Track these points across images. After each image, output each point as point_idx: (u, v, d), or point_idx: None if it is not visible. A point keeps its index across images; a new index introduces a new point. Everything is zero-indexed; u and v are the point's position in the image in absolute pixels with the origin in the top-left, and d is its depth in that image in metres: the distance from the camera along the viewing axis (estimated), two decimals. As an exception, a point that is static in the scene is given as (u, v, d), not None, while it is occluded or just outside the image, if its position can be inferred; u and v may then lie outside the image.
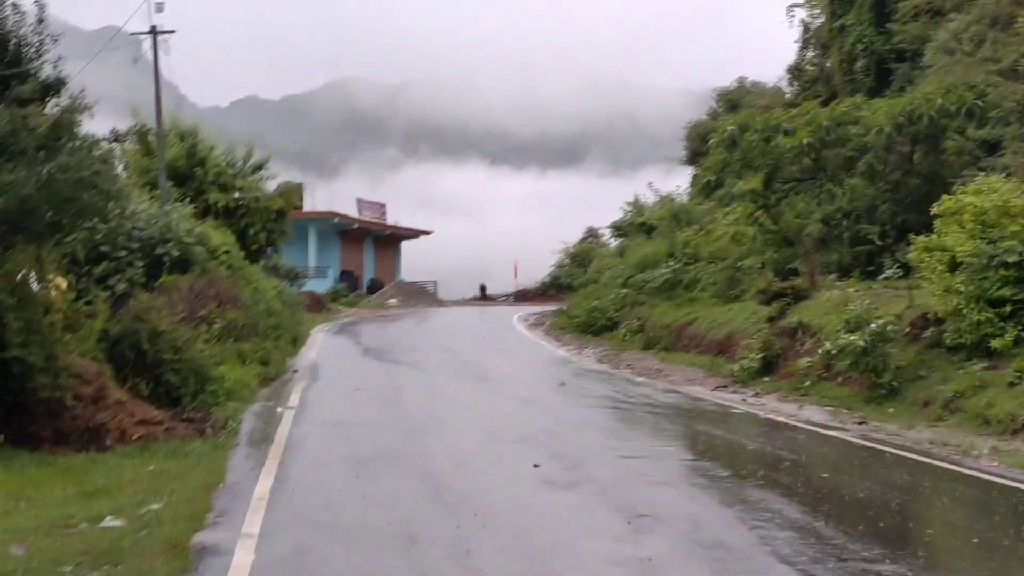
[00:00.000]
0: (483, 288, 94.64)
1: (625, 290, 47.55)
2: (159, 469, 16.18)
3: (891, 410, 22.58)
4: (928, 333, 24.56)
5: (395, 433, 19.46)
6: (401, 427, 20.22)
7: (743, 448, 18.31)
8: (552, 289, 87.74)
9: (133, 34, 38.95)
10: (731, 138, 40.09)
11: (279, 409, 22.97)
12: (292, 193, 50.03)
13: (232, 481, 15.14)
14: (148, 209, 32.02)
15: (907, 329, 24.96)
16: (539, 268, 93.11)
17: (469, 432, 19.85)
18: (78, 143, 19.29)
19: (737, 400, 25.70)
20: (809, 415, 22.84)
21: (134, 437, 18.90)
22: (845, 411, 23.16)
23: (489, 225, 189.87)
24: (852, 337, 24.05)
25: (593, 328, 47.33)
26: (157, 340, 22.18)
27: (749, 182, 42.54)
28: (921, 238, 26.34)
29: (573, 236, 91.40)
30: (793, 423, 21.53)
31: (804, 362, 27.18)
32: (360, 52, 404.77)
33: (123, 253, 28.93)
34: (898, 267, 33.44)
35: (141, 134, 40.81)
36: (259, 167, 48.46)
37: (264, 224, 46.57)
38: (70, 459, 17.08)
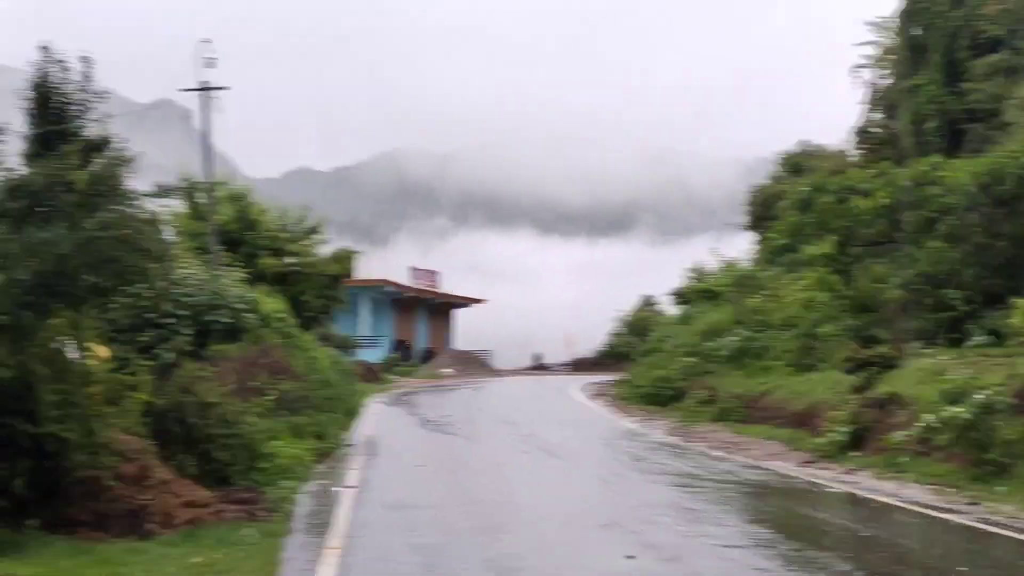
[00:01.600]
0: (538, 357, 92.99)
1: (692, 359, 45.61)
2: (206, 561, 14.39)
3: (1002, 489, 20.60)
4: (1038, 405, 22.63)
5: (465, 517, 17.60)
6: (471, 510, 18.36)
7: (855, 535, 16.37)
8: (609, 358, 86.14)
9: (184, 90, 37.62)
10: (805, 200, 38.36)
11: (337, 489, 21.14)
12: (347, 259, 48.46)
13: (287, 576, 13.40)
14: (197, 274, 30.51)
15: (1012, 400, 22.96)
16: (593, 337, 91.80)
17: (547, 516, 17.96)
18: (120, 200, 17.73)
19: (829, 478, 23.72)
20: (913, 495, 20.87)
21: (179, 521, 17.16)
22: (950, 490, 21.18)
23: (540, 294, 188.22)
24: (956, 409, 22.09)
25: (659, 399, 45.38)
26: (206, 413, 20.51)
27: (821, 245, 40.86)
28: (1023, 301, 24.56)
29: (626, 304, 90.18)
30: (899, 504, 19.59)
31: (899, 436, 25.16)
32: (411, 122, 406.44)
33: (170, 320, 27.42)
34: (987, 334, 31.61)
35: (190, 195, 39.49)
36: (312, 231, 46.97)
37: (318, 291, 45.03)
38: (108, 548, 15.26)
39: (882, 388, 28.08)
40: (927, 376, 27.12)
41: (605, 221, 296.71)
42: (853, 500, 20.34)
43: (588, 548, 15.08)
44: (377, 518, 17.69)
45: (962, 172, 35.65)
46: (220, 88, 36.59)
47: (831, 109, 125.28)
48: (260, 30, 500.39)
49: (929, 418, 23.06)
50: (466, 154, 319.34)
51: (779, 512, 18.93)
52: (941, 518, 17.97)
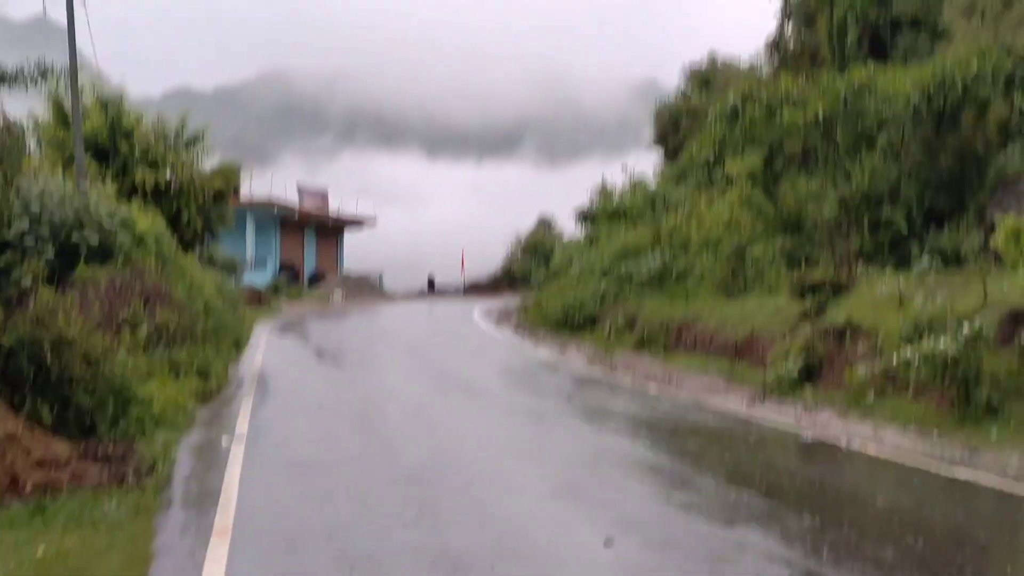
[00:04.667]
0: (431, 280, 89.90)
1: (605, 283, 42.66)
2: (52, 552, 10.94)
3: (994, 433, 17.84)
4: (1025, 335, 19.88)
5: (387, 481, 14.15)
6: (392, 470, 14.92)
7: (869, 503, 13.27)
8: (504, 281, 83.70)
9: (43, -23, 33.09)
10: (733, 110, 35.33)
11: (224, 441, 17.65)
12: (232, 173, 44.24)
13: (160, 576, 10.01)
14: (61, 188, 26.66)
15: (997, 331, 20.18)
16: (485, 258, 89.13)
17: (488, 480, 14.46)
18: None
19: (791, 420, 20.77)
20: (896, 440, 18.01)
21: (29, 486, 13.69)
22: (935, 434, 18.36)
23: (431, 215, 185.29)
24: (943, 342, 19.22)
25: (570, 325, 42.40)
26: (64, 351, 16.89)
27: (744, 160, 38.03)
28: (1010, 219, 21.85)
29: (521, 225, 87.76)
30: (893, 458, 16.57)
31: (862, 370, 22.29)
32: (296, 40, 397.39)
33: (27, 240, 23.67)
34: (932, 256, 29.23)
35: (55, 102, 35.53)
36: (193, 142, 42.80)
37: (200, 207, 41.00)
38: (-73, 532, 11.75)
39: (837, 316, 25.19)
40: (886, 303, 24.35)
41: (494, 141, 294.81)
42: (837, 451, 17.30)
43: (550, 528, 11.78)
44: (277, 483, 14.20)
45: (903, 82, 32.86)
46: (84, -25, 32.33)
47: (735, 22, 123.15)
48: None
49: (906, 352, 20.20)
50: (354, 72, 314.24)
51: (760, 468, 15.76)
52: (954, 478, 14.98)
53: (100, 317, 20.30)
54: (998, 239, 22.45)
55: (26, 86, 16.05)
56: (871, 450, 17.16)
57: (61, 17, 32.30)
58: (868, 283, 26.85)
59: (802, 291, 27.25)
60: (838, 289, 26.76)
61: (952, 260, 28.77)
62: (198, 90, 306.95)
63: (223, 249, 56.03)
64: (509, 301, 62.74)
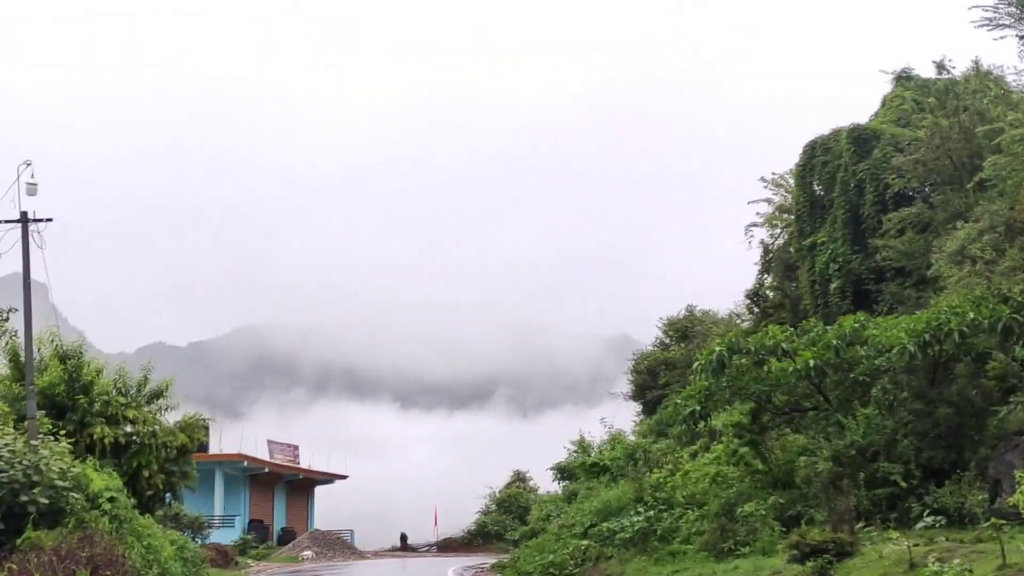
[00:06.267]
0: (404, 537, 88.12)
1: (586, 541, 40.82)
2: None
3: None
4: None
5: None
6: None
7: None
8: (479, 538, 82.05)
9: (2, 222, 31.93)
10: (719, 361, 34.14)
11: None
12: (197, 428, 42.77)
13: None
14: (12, 445, 25.24)
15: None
16: (458, 512, 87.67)
17: None
18: None
19: None
20: None
21: None
22: None
23: (403, 468, 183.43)
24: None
25: (550, 587, 40.42)
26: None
27: (731, 414, 36.87)
28: (1031, 479, 20.53)
29: (494, 479, 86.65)
30: None
31: (875, 645, 20.60)
32: (269, 297, 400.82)
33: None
34: (929, 513, 27.76)
35: (12, 355, 34.32)
36: (156, 396, 41.41)
37: (162, 465, 39.32)
38: None
39: (842, 582, 23.51)
40: (895, 566, 22.82)
41: (466, 392, 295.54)
42: None
43: None
44: None
45: (896, 331, 31.83)
46: (43, 220, 31.20)
47: (708, 279, 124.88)
48: (111, 200, 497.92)
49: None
50: (325, 326, 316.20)
51: None
52: None
53: (41, 589, 18.49)
54: (1019, 497, 21.00)
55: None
56: None
57: (39, 273, 31.81)
58: (872, 545, 25.31)
59: (804, 554, 25.56)
60: (841, 552, 25.11)
61: (955, 518, 27.27)
62: (172, 345, 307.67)
63: (189, 506, 54.26)
64: (484, 559, 60.73)
